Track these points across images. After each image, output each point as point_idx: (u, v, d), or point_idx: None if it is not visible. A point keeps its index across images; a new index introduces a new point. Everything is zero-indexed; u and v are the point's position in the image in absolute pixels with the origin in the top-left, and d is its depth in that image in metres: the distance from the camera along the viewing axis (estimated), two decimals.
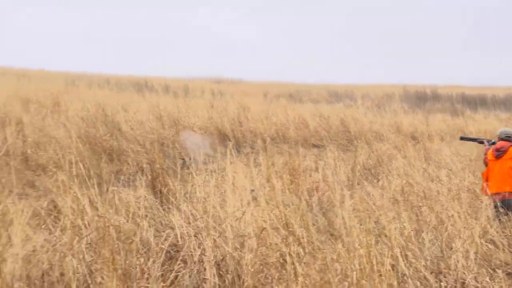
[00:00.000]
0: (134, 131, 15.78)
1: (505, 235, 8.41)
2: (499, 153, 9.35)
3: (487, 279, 6.68)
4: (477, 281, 6.60)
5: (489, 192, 9.22)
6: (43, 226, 7.44)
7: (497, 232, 8.42)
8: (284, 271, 6.61)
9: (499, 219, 8.74)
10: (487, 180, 9.42)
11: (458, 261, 7.03)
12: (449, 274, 6.87)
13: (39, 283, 6.00)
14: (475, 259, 7.24)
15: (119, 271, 5.88)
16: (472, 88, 47.45)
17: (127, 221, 7.60)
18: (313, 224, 8.46)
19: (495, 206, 9.06)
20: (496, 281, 6.60)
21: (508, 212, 8.81)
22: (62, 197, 8.12)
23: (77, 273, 6.03)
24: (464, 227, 7.86)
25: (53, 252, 6.39)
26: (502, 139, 9.51)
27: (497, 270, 6.95)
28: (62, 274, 6.09)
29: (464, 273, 6.87)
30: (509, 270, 7.31)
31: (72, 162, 10.04)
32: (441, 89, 44.72)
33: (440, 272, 6.99)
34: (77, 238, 6.70)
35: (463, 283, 6.68)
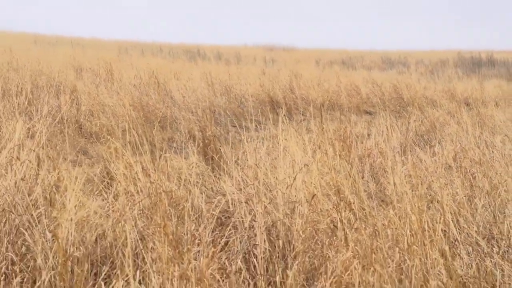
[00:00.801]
0: (186, 98, 15.85)
1: None
2: None
3: None
4: None
5: None
6: (96, 193, 7.57)
7: None
8: (334, 237, 6.62)
9: None
10: None
11: (511, 226, 6.96)
12: (501, 239, 6.80)
13: (92, 248, 6.10)
14: None
15: (170, 237, 5.94)
16: None
17: (179, 188, 7.67)
18: (364, 191, 8.44)
19: None
20: None
21: None
22: (115, 164, 8.23)
23: (130, 239, 6.11)
24: None
25: (106, 218, 6.50)
26: None
27: None
28: (114, 239, 6.19)
29: None
30: None
31: (125, 129, 10.16)
32: (497, 54, 43.99)
33: (493, 237, 6.92)
34: (129, 204, 6.79)
35: None
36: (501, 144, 10.98)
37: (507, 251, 6.52)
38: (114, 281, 5.27)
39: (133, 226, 6.29)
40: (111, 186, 7.98)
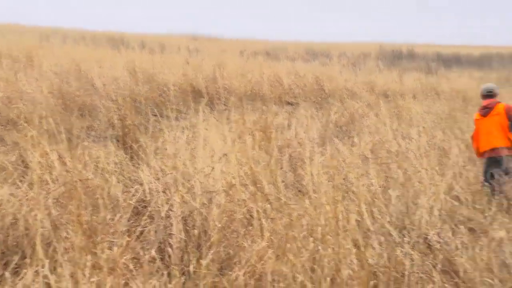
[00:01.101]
0: (108, 87, 15.65)
1: (470, 191, 8.52)
2: (486, 110, 9.35)
3: (450, 234, 6.76)
4: (439, 237, 6.68)
5: (480, 151, 9.29)
6: (9, 181, 7.44)
7: (462, 188, 8.53)
8: (250, 227, 6.67)
9: (491, 178, 8.80)
10: (477, 141, 9.41)
11: (422, 217, 7.12)
12: (412, 230, 6.96)
13: (3, 237, 6.01)
14: (439, 215, 7.33)
15: (85, 226, 5.89)
16: (448, 47, 47.63)
17: (96, 177, 7.60)
18: (282, 181, 8.51)
19: (487, 165, 9.13)
20: (458, 236, 6.69)
21: (499, 169, 8.85)
22: (31, 152, 8.11)
23: (43, 228, 6.04)
24: (430, 184, 7.94)
25: (19, 206, 6.39)
26: (485, 96, 9.51)
27: (459, 226, 7.04)
28: (27, 229, 6.11)
29: (427, 228, 6.95)
30: (471, 226, 7.42)
31: (42, 117, 10.00)
32: (417, 48, 44.80)
33: (404, 228, 7.07)
34: (44, 192, 6.70)
35: (426, 238, 6.77)
36: (417, 136, 11.20)
37: (417, 241, 6.68)
38: (24, 270, 5.20)
39: (46, 215, 6.22)
40: (26, 174, 7.87)
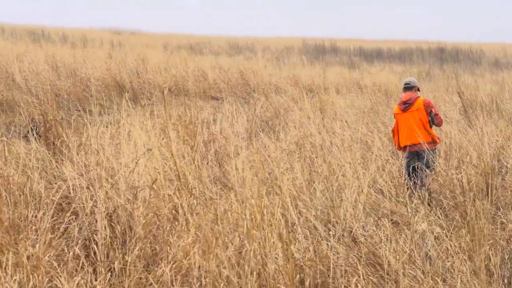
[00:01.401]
0: (29, 82, 15.40)
1: (393, 185, 8.65)
2: (406, 106, 9.45)
3: (374, 227, 6.86)
4: (364, 230, 6.77)
5: (402, 145, 9.41)
6: None
7: (386, 182, 8.65)
8: (176, 222, 6.64)
9: (414, 174, 8.94)
10: (398, 135, 9.51)
11: (347, 210, 7.20)
12: (337, 223, 7.02)
13: None
14: (364, 208, 7.42)
15: (6, 223, 5.78)
16: (369, 42, 48.23)
17: (17, 173, 7.46)
18: (208, 176, 8.50)
19: (408, 159, 9.25)
20: (382, 229, 6.78)
21: (420, 163, 8.98)
22: None
23: None
24: (354, 177, 8.02)
25: None
26: (405, 89, 9.63)
27: (383, 219, 7.13)
28: None
29: (352, 222, 7.03)
30: (394, 218, 7.53)
31: None
32: (340, 42, 45.22)
33: (329, 221, 7.14)
34: None
35: (351, 231, 6.84)
36: (341, 130, 11.33)
37: (342, 235, 6.74)
38: None
39: None
40: None
